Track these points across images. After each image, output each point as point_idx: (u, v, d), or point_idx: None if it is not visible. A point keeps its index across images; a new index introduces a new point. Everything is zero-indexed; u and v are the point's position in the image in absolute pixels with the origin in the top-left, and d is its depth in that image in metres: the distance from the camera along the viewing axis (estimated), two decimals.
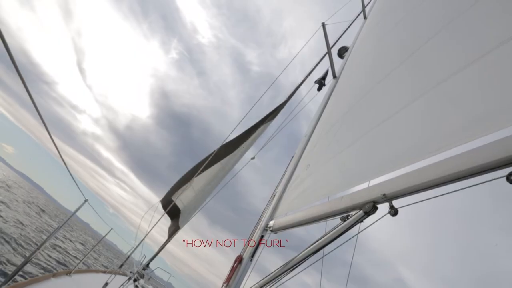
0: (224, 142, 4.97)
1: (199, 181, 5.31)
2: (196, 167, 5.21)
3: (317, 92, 3.94)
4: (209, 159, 4.89)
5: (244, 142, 5.48)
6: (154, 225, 4.43)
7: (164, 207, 5.39)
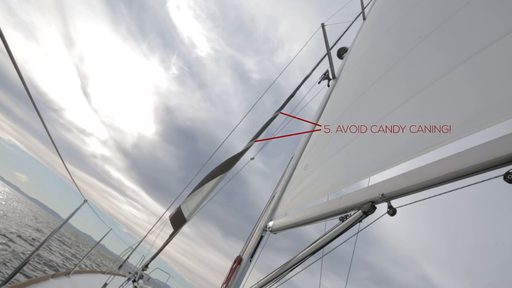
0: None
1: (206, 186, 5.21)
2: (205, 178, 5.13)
3: (318, 91, 3.95)
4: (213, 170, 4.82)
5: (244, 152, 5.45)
6: (158, 234, 4.41)
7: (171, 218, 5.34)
